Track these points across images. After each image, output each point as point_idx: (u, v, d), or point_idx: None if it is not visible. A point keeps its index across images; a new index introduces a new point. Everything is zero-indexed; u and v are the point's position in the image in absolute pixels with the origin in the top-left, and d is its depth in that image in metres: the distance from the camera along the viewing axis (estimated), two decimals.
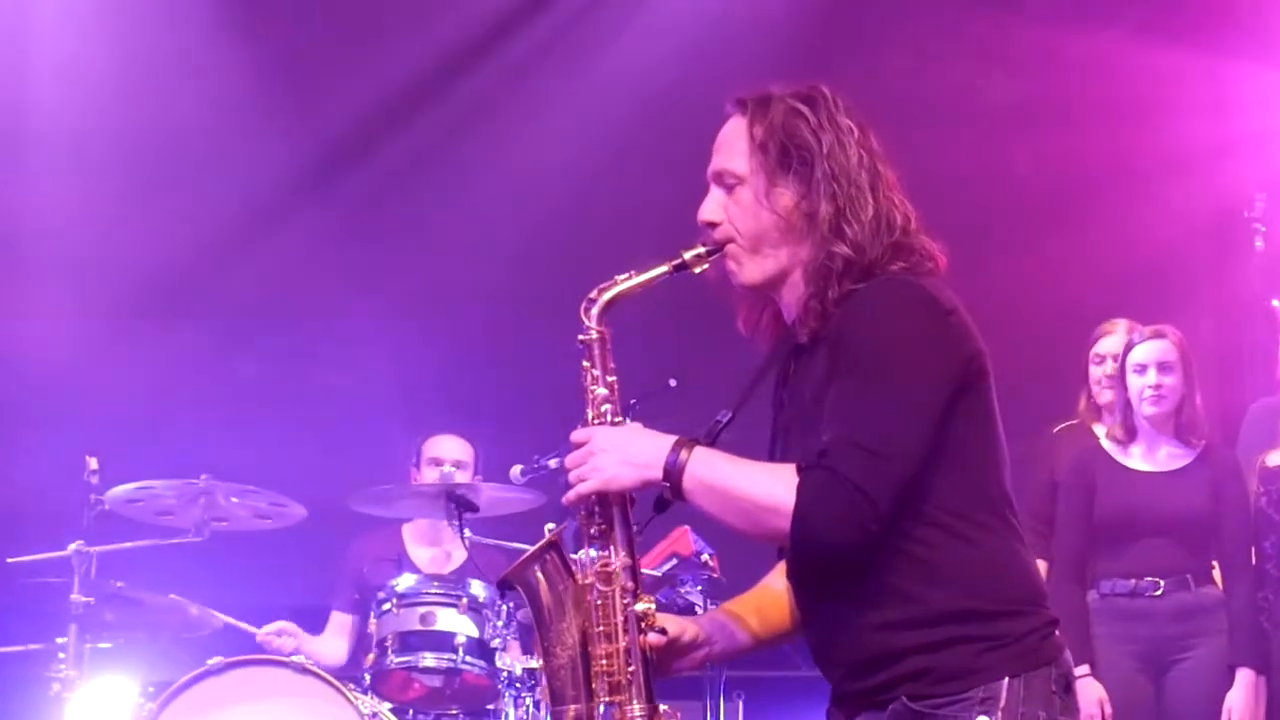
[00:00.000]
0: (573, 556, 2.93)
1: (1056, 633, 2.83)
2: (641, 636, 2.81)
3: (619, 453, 2.82)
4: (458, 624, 5.90)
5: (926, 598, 2.75)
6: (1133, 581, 5.50)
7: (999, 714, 2.70)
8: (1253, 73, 7.92)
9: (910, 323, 2.79)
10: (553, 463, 5.76)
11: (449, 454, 6.46)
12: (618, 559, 2.86)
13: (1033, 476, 5.89)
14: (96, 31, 8.11)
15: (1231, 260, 7.49)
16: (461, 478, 6.27)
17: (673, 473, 2.75)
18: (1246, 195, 7.23)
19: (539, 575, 2.91)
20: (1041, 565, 5.63)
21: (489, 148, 8.03)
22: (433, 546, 6.60)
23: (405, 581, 6.08)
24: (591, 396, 2.94)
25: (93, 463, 5.94)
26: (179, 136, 8.03)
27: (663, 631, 2.85)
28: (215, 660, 5.64)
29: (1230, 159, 7.76)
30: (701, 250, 2.89)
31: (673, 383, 5.14)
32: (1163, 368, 5.46)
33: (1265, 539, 5.49)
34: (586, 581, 2.87)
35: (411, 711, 5.96)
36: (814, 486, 2.69)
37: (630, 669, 2.82)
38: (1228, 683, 5.40)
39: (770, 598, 2.98)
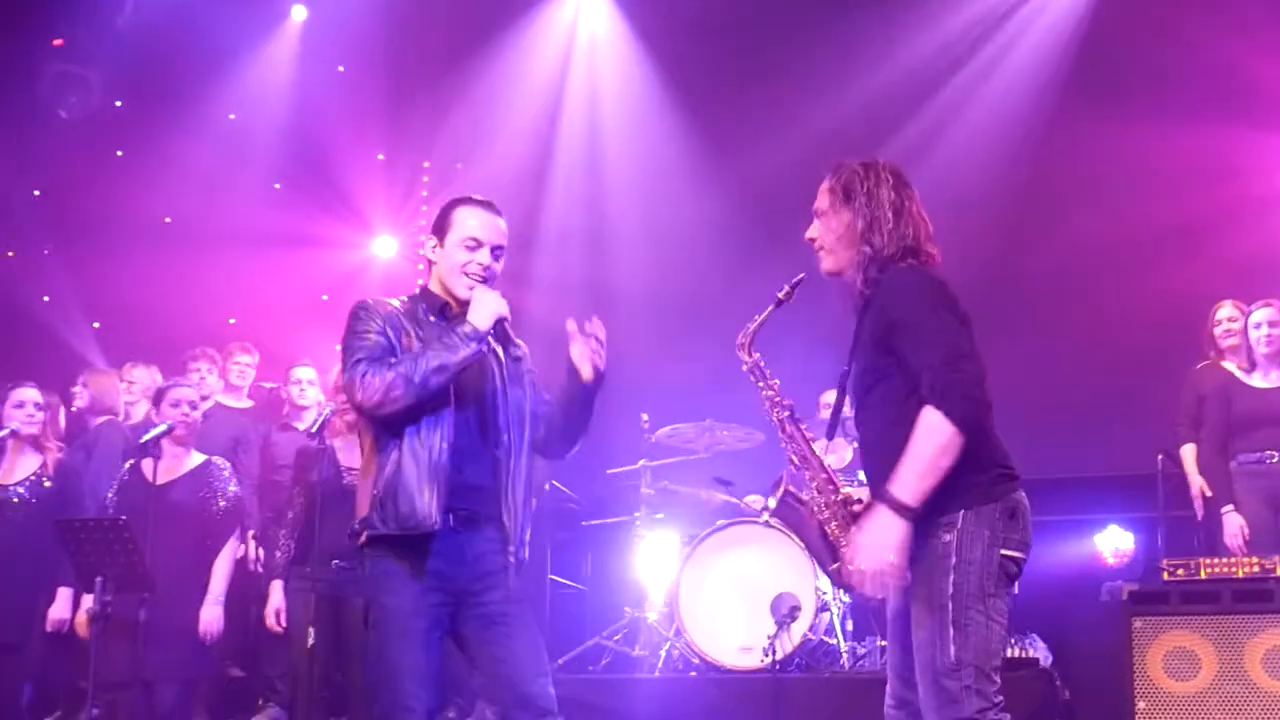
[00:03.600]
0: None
1: (1010, 479, 3.36)
2: (850, 510, 3.56)
3: (877, 545, 3.27)
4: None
5: None
6: (1258, 454, 6.67)
7: (955, 533, 3.28)
8: None
9: (919, 286, 3.44)
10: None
11: (834, 399, 7.93)
12: (820, 477, 3.64)
13: (1184, 394, 7.02)
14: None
15: None
16: (846, 412, 7.83)
17: (906, 513, 3.24)
18: None
19: (792, 505, 3.67)
20: (1191, 447, 6.96)
21: None
22: (831, 454, 7.26)
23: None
24: (768, 400, 3.72)
25: (645, 417, 7.70)
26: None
27: (859, 501, 3.56)
28: (721, 521, 7.02)
29: None
30: (788, 288, 3.69)
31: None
32: (1272, 324, 6.71)
33: None
34: (809, 498, 3.64)
35: None
36: (941, 401, 3.26)
37: (850, 530, 3.47)
38: None
39: None
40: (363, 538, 3.90)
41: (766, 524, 6.77)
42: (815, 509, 3.59)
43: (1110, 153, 8.25)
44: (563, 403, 4.10)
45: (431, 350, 3.85)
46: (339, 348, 3.98)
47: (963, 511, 3.30)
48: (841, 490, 3.61)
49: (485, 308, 3.93)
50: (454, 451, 3.87)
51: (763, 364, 3.74)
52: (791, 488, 3.70)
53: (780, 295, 3.69)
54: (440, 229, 4.07)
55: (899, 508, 3.24)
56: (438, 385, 3.84)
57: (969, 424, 3.27)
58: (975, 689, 3.26)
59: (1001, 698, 3.31)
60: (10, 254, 9.88)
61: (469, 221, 4.03)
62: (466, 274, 3.99)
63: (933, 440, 3.25)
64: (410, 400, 3.81)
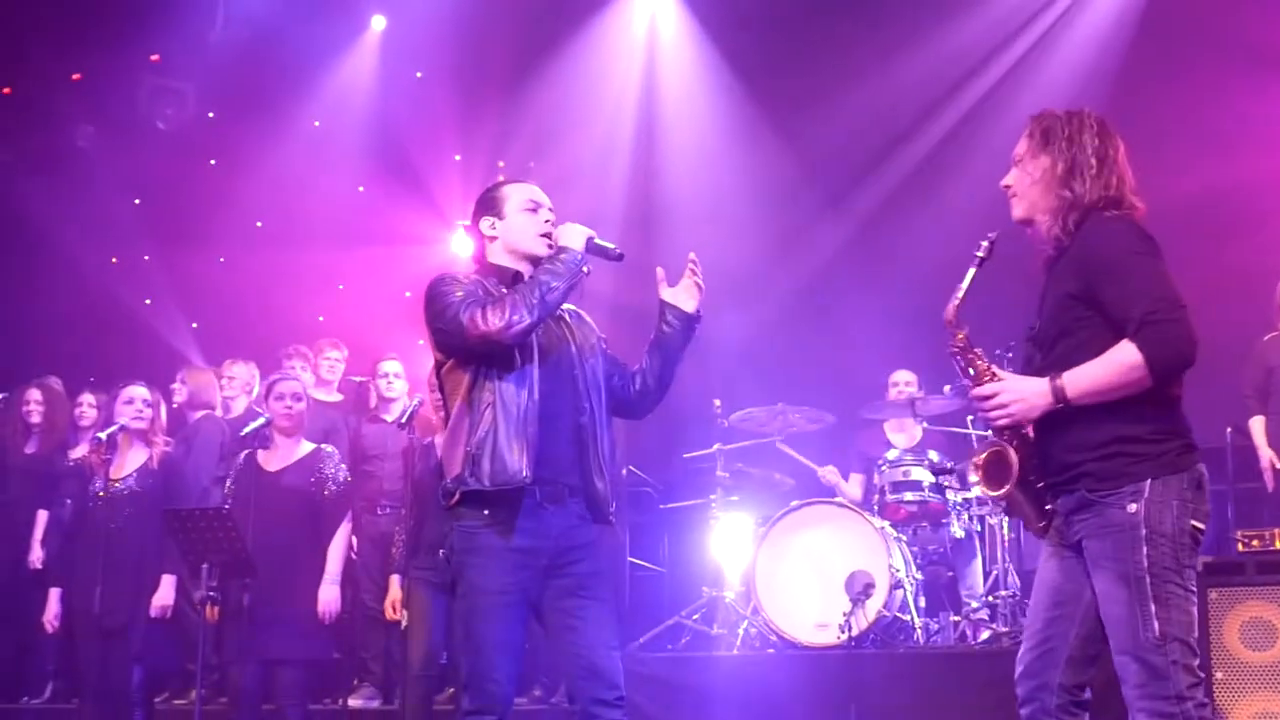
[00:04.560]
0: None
1: (1193, 450, 3.22)
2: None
3: (1023, 399, 3.26)
4: (923, 475, 7.17)
5: (1102, 424, 3.20)
6: None
7: (1143, 502, 3.13)
8: None
9: (1135, 236, 3.26)
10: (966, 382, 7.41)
11: (904, 379, 7.78)
12: (1019, 441, 3.35)
13: (1252, 367, 6.96)
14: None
15: None
16: (914, 392, 7.62)
17: (1060, 397, 3.21)
18: None
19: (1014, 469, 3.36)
20: (1260, 419, 6.90)
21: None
22: (901, 433, 7.86)
23: (891, 453, 7.46)
24: (976, 373, 3.43)
25: (717, 403, 7.71)
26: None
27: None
28: (795, 502, 7.02)
29: None
30: (986, 244, 3.48)
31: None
32: None
33: None
34: (1011, 454, 3.35)
35: (898, 526, 7.00)
36: (1153, 340, 3.12)
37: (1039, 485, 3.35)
38: None
39: None
40: (455, 497, 3.87)
41: (841, 503, 7.01)
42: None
43: (1171, 120, 8.04)
44: (657, 350, 4.12)
45: (540, 276, 3.89)
46: (430, 319, 3.96)
47: (1150, 481, 3.15)
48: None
49: (574, 233, 4.00)
50: (540, 415, 3.86)
51: (969, 339, 3.47)
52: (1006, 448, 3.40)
53: (979, 254, 3.48)
54: (493, 207, 4.12)
55: (1058, 390, 3.19)
56: (554, 303, 3.88)
57: (1165, 372, 3.15)
58: (1182, 664, 3.12)
59: (1203, 674, 3.18)
60: (114, 260, 10.12)
61: (521, 190, 4.12)
62: (540, 234, 4.03)
63: (1121, 369, 3.15)
64: (534, 319, 3.82)
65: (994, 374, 3.38)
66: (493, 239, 4.11)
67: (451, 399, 3.94)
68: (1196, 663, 3.16)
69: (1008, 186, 3.46)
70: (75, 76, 9.71)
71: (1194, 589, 3.19)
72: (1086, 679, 3.31)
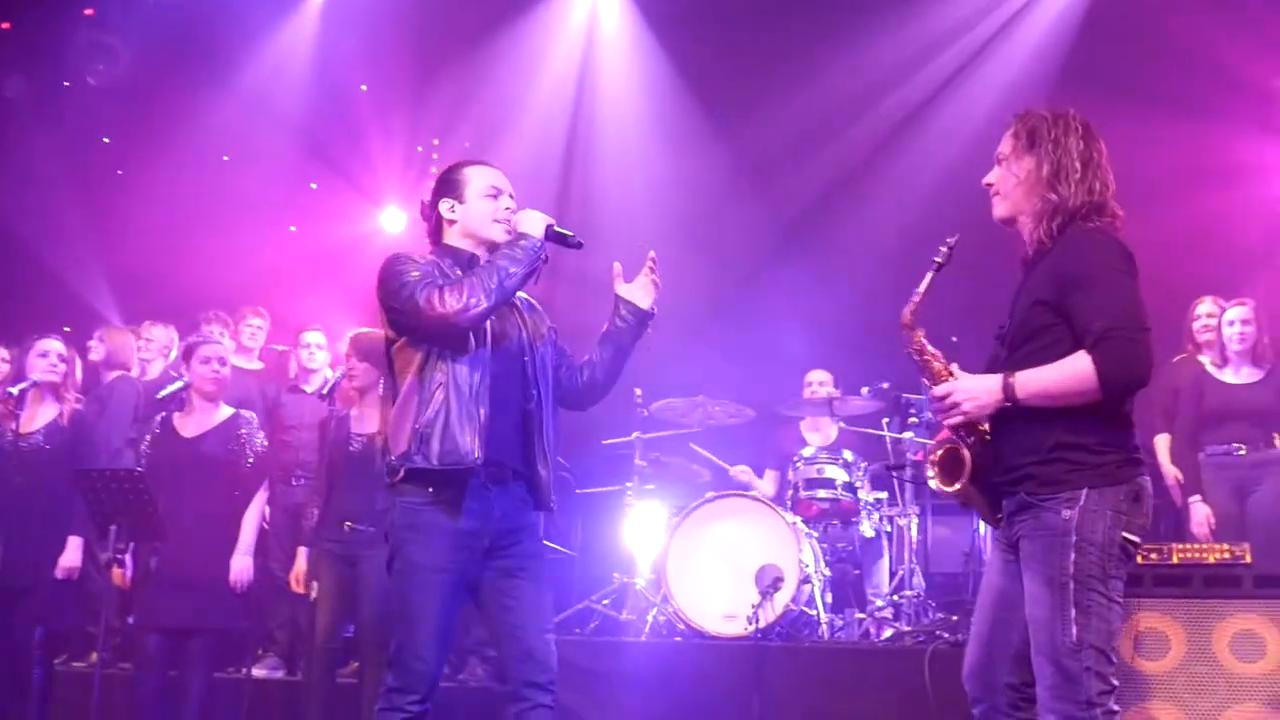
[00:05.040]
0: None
1: (1136, 463, 3.21)
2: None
3: (974, 397, 3.28)
4: (837, 473, 7.22)
5: (1048, 430, 3.20)
6: (1225, 446, 6.60)
7: (1077, 510, 3.13)
8: None
9: (1110, 253, 3.22)
10: (885, 385, 7.21)
11: (818, 379, 7.85)
12: (976, 436, 3.36)
13: (1160, 386, 6.72)
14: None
15: (1273, 255, 8.09)
16: (830, 393, 7.57)
17: (1010, 395, 3.22)
18: None
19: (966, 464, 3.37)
20: (1165, 437, 6.88)
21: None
22: (817, 431, 7.90)
23: (807, 451, 7.50)
24: (933, 373, 3.43)
25: (638, 391, 7.62)
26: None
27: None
28: (709, 494, 7.02)
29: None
30: (945, 250, 3.46)
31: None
32: (1244, 322, 6.64)
33: None
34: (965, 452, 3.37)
35: (810, 522, 7.01)
36: (1110, 356, 3.11)
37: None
38: None
39: None
40: (400, 474, 3.81)
41: (755, 497, 6.98)
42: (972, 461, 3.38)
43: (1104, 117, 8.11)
44: (608, 344, 4.13)
45: (498, 262, 3.85)
46: (384, 297, 3.89)
47: (1087, 490, 3.16)
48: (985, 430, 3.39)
49: (534, 220, 3.97)
50: (490, 400, 3.83)
51: (924, 341, 3.47)
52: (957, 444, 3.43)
53: (938, 260, 3.46)
54: (453, 189, 4.06)
55: (1008, 388, 3.21)
56: (511, 289, 3.85)
57: (1115, 389, 3.16)
58: (1095, 671, 3.12)
59: (1116, 682, 3.18)
60: (37, 214, 9.79)
61: (484, 175, 4.07)
62: (498, 219, 4.00)
63: (1073, 379, 3.16)
64: (490, 303, 3.79)
65: (951, 373, 3.39)
66: (451, 222, 4.06)
67: (401, 376, 3.89)
68: (1112, 671, 3.17)
69: (990, 184, 3.44)
70: (4, 25, 9.45)
71: (1119, 600, 3.19)
72: (1031, 677, 3.28)
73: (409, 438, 3.78)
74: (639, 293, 4.12)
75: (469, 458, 3.74)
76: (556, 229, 3.99)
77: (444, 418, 3.75)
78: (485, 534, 3.83)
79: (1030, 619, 3.20)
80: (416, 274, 3.82)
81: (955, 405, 3.29)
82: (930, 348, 3.44)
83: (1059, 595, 3.12)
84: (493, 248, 3.97)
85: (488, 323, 3.89)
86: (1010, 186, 3.38)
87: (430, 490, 3.80)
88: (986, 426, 3.33)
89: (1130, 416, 3.27)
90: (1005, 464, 3.28)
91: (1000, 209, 3.42)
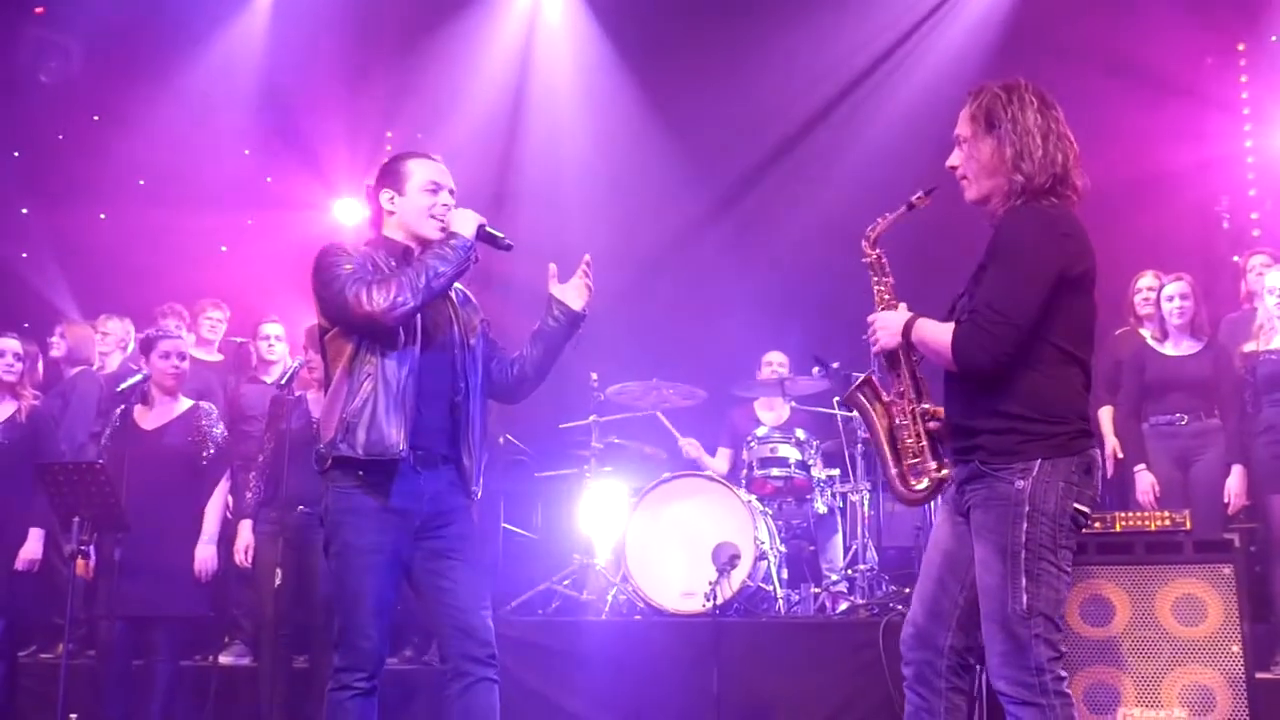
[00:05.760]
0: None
1: (1087, 435, 3.22)
2: (926, 424, 3.45)
3: (885, 328, 3.41)
4: (790, 452, 7.23)
5: (1002, 401, 3.20)
6: (1168, 416, 6.61)
7: (1030, 481, 3.15)
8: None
9: (1034, 237, 3.19)
10: (835, 365, 7.15)
11: (777, 360, 7.88)
12: (906, 381, 3.45)
13: (1102, 359, 6.76)
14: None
15: (1211, 234, 8.38)
16: (785, 373, 7.75)
17: (905, 333, 3.36)
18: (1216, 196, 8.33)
19: (862, 399, 3.58)
20: (1109, 409, 6.90)
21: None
22: (770, 411, 7.91)
23: (760, 430, 7.47)
24: (878, 293, 3.51)
25: (594, 375, 7.66)
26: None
27: (937, 419, 3.44)
28: (666, 474, 7.03)
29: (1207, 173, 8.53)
30: (921, 193, 3.47)
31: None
32: (1183, 296, 6.59)
33: (1244, 391, 6.50)
34: (889, 399, 3.53)
35: (765, 500, 7.07)
36: (964, 335, 3.20)
37: (922, 443, 3.44)
38: (1226, 472, 6.40)
39: None
40: (328, 462, 3.84)
41: (710, 476, 6.99)
42: (893, 410, 3.49)
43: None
44: (539, 341, 4.13)
45: (427, 260, 3.85)
46: (317, 288, 3.90)
47: (1040, 460, 3.16)
48: (924, 403, 3.47)
49: (466, 219, 3.96)
50: (417, 390, 3.84)
51: (884, 260, 3.53)
52: (875, 381, 3.60)
53: (913, 199, 3.48)
54: (395, 180, 4.05)
55: (907, 326, 3.37)
56: (439, 289, 3.85)
57: (964, 367, 3.22)
58: (1044, 638, 3.13)
59: (1065, 648, 3.20)
60: None
61: (425, 169, 4.05)
62: (434, 215, 4.00)
63: (941, 344, 3.27)
64: (417, 303, 3.79)
65: (892, 304, 3.48)
66: (390, 213, 4.05)
67: (333, 365, 3.91)
68: (1059, 638, 3.19)
69: (954, 168, 3.42)
70: None
71: (1068, 569, 3.20)
72: (974, 643, 3.33)
73: (337, 426, 3.80)
74: (572, 294, 4.12)
75: (393, 449, 3.77)
76: (488, 229, 3.99)
77: (371, 409, 3.77)
78: (416, 514, 3.85)
79: (981, 586, 3.21)
80: (349, 267, 3.82)
81: (872, 332, 3.42)
82: (885, 273, 3.50)
83: (1011, 564, 3.13)
84: (426, 244, 3.96)
85: (419, 316, 3.89)
86: (975, 170, 3.36)
87: (360, 474, 3.81)
88: (934, 413, 3.42)
89: (1084, 389, 3.27)
90: (961, 428, 3.29)
91: (971, 192, 3.40)
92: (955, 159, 3.41)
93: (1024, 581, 3.11)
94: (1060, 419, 3.19)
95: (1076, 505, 3.18)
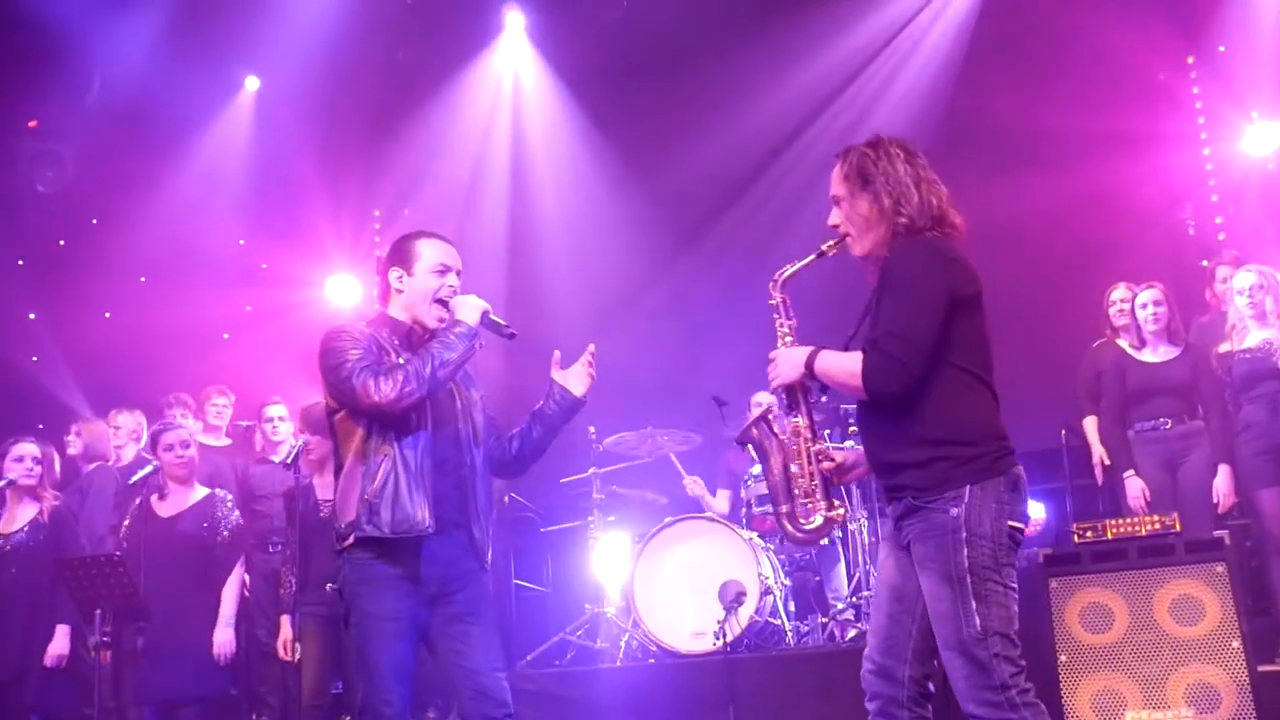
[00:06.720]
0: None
1: (1009, 453, 3.22)
2: (819, 464, 3.46)
3: (786, 362, 3.40)
4: None
5: (920, 431, 3.18)
6: (1152, 422, 6.59)
7: (964, 507, 3.13)
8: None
9: (923, 263, 3.23)
10: (823, 398, 7.51)
11: (766, 401, 7.28)
12: (803, 420, 3.46)
13: (1084, 371, 6.92)
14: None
15: (1179, 241, 8.41)
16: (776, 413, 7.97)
17: (809, 366, 3.34)
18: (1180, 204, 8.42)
19: (757, 433, 3.59)
20: (1093, 419, 6.87)
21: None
22: None
23: (756, 469, 7.12)
24: (780, 334, 3.52)
25: (592, 429, 7.67)
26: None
27: (830, 459, 3.47)
28: (668, 519, 6.95)
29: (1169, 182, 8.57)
30: (832, 242, 3.45)
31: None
32: (1156, 303, 6.60)
33: (1224, 392, 6.48)
34: (785, 436, 3.52)
35: (766, 536, 6.98)
36: (871, 362, 3.19)
37: (814, 482, 3.43)
38: (1213, 473, 6.41)
39: None
40: (349, 540, 3.81)
41: (711, 518, 6.93)
42: (788, 447, 3.47)
43: (1006, 142, 8.25)
44: (538, 422, 4.13)
45: (433, 349, 3.85)
46: (324, 372, 3.89)
47: (970, 486, 3.14)
48: (818, 444, 3.47)
49: (470, 306, 3.96)
50: (431, 464, 3.84)
51: (788, 303, 3.54)
52: (772, 418, 3.59)
53: (823, 247, 3.47)
54: (404, 260, 4.06)
55: (809, 359, 3.33)
56: (445, 378, 3.86)
57: (873, 394, 3.20)
58: (1003, 655, 3.11)
59: (1024, 662, 3.17)
60: None
61: (434, 251, 4.06)
62: (439, 300, 4.00)
63: (848, 373, 3.24)
64: (424, 393, 3.79)
65: (793, 346, 3.49)
66: (399, 292, 4.07)
67: (345, 444, 3.89)
68: (1018, 653, 3.16)
69: (836, 226, 3.44)
70: None
71: (1014, 586, 3.18)
72: (930, 670, 3.30)
73: (357, 507, 3.79)
74: (574, 380, 4.13)
75: (420, 526, 3.77)
76: (492, 317, 3.99)
77: (393, 488, 3.76)
78: (431, 581, 3.84)
79: (933, 615, 3.19)
80: (355, 354, 3.82)
81: (774, 367, 3.40)
82: (789, 315, 3.51)
83: (958, 589, 3.11)
84: (427, 328, 3.99)
85: None
86: (859, 225, 3.38)
87: (380, 548, 3.81)
88: (829, 455, 3.46)
89: (996, 405, 3.28)
90: (883, 462, 3.27)
91: (858, 248, 3.41)
92: (836, 218, 3.44)
93: (974, 604, 3.09)
94: (981, 440, 3.19)
95: (1010, 523, 3.16)
